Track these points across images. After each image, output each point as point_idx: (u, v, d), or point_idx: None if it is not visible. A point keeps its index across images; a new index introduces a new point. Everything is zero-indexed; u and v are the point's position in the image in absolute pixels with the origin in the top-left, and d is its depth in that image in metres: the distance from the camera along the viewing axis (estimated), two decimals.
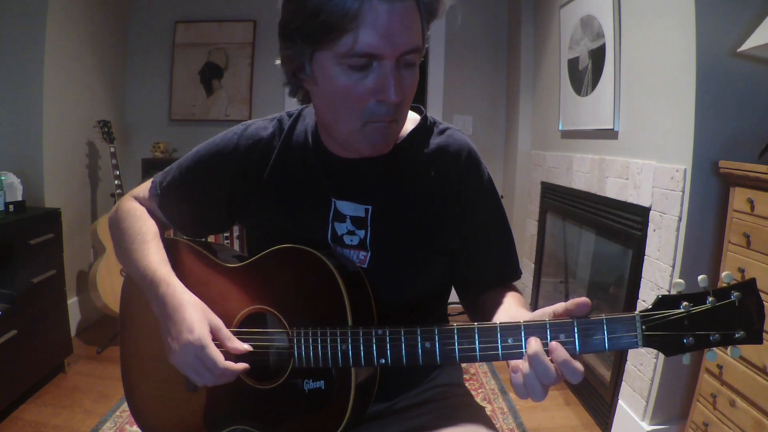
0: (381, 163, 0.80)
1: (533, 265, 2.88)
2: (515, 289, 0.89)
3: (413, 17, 0.67)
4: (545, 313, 0.66)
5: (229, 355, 0.75)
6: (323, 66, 0.69)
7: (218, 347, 0.74)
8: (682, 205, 1.61)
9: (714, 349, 0.61)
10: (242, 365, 0.75)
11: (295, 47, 0.70)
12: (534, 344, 0.62)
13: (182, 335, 0.73)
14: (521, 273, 0.92)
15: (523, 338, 0.64)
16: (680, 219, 1.62)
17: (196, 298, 0.78)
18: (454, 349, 0.67)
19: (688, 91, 1.58)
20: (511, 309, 0.79)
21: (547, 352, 0.62)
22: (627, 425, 1.85)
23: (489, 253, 0.89)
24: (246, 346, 0.76)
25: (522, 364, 0.63)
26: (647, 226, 1.77)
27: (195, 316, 0.74)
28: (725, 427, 1.43)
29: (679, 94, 1.64)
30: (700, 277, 0.60)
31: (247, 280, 0.83)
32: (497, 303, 0.82)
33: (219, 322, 0.76)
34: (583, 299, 0.63)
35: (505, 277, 0.90)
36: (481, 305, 0.87)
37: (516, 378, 0.64)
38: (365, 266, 0.82)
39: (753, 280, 0.59)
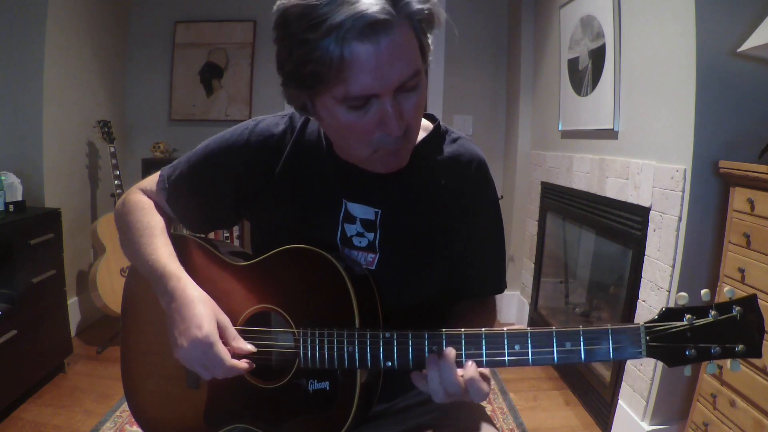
0: None
1: (533, 265, 2.88)
2: (494, 303, 0.93)
3: (405, 44, 0.65)
4: None
5: (234, 353, 0.75)
6: (325, 105, 0.70)
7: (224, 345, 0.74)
8: (682, 205, 1.61)
9: (714, 361, 0.63)
10: (247, 364, 0.75)
11: (293, 91, 0.70)
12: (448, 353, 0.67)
13: (191, 331, 0.73)
14: (505, 288, 0.94)
15: (529, 345, 0.65)
16: (680, 219, 1.62)
17: (206, 295, 0.78)
18: (462, 354, 0.67)
19: (688, 91, 1.58)
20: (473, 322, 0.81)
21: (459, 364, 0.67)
22: (627, 425, 1.86)
23: (481, 265, 0.90)
24: (250, 347, 0.76)
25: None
26: (647, 226, 1.77)
27: (204, 313, 0.74)
28: (725, 427, 1.44)
29: (679, 94, 1.64)
30: (703, 291, 0.62)
31: (254, 278, 0.83)
32: (468, 313, 0.87)
33: (227, 321, 0.77)
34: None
35: (491, 290, 0.92)
36: (455, 312, 0.90)
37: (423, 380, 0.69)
38: (373, 268, 0.82)
39: (754, 296, 0.61)
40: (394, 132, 0.68)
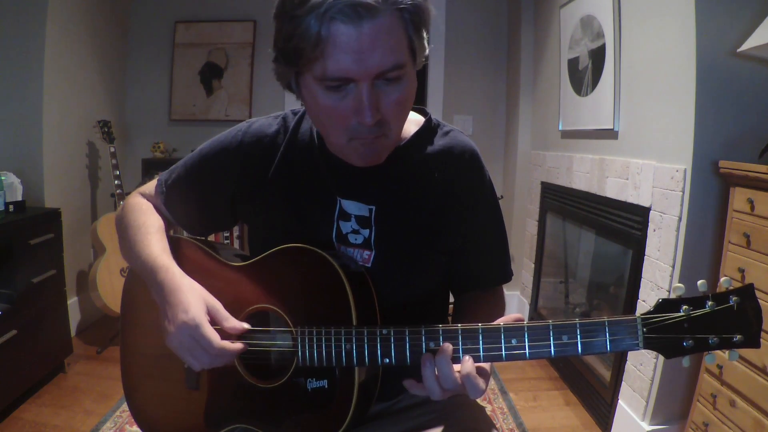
0: (385, 165, 0.80)
1: (533, 265, 2.88)
2: (501, 292, 0.93)
3: (390, 34, 0.65)
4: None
5: (228, 337, 0.74)
6: (307, 85, 0.71)
7: (218, 331, 0.73)
8: (682, 205, 1.61)
9: (713, 352, 0.62)
10: (239, 345, 0.74)
11: (280, 67, 0.72)
12: (446, 348, 0.67)
13: (177, 316, 0.73)
14: (512, 276, 0.94)
15: (526, 339, 0.65)
16: (680, 219, 1.62)
17: (195, 283, 0.78)
18: (459, 349, 0.67)
19: (688, 91, 1.58)
20: (481, 313, 0.82)
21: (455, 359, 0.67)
22: (627, 425, 1.85)
23: (484, 255, 0.90)
24: (244, 325, 0.76)
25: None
26: (647, 226, 1.77)
27: (191, 298, 0.74)
28: (725, 427, 1.43)
29: (679, 94, 1.64)
30: (699, 282, 0.62)
31: (251, 278, 0.83)
32: (475, 304, 0.87)
33: (216, 303, 0.76)
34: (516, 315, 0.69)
35: (496, 280, 0.92)
36: (462, 304, 0.91)
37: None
38: (369, 265, 0.82)
39: (751, 285, 0.60)
40: (366, 120, 0.68)
